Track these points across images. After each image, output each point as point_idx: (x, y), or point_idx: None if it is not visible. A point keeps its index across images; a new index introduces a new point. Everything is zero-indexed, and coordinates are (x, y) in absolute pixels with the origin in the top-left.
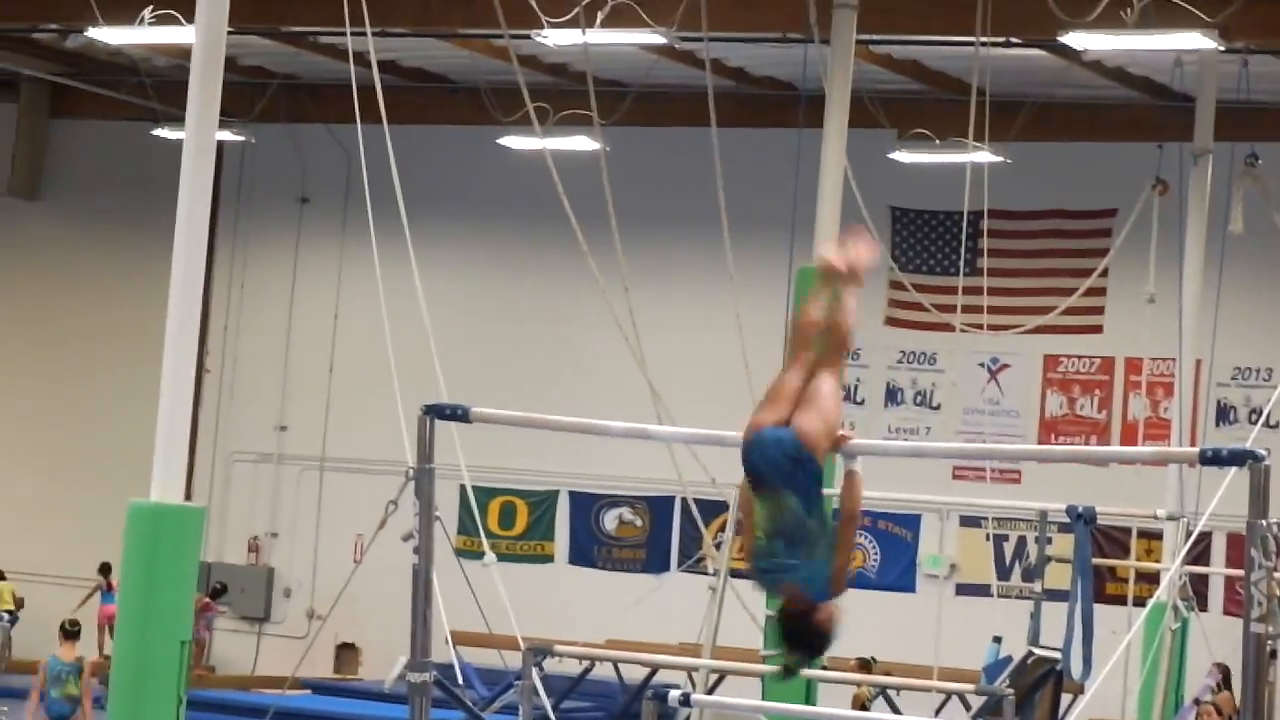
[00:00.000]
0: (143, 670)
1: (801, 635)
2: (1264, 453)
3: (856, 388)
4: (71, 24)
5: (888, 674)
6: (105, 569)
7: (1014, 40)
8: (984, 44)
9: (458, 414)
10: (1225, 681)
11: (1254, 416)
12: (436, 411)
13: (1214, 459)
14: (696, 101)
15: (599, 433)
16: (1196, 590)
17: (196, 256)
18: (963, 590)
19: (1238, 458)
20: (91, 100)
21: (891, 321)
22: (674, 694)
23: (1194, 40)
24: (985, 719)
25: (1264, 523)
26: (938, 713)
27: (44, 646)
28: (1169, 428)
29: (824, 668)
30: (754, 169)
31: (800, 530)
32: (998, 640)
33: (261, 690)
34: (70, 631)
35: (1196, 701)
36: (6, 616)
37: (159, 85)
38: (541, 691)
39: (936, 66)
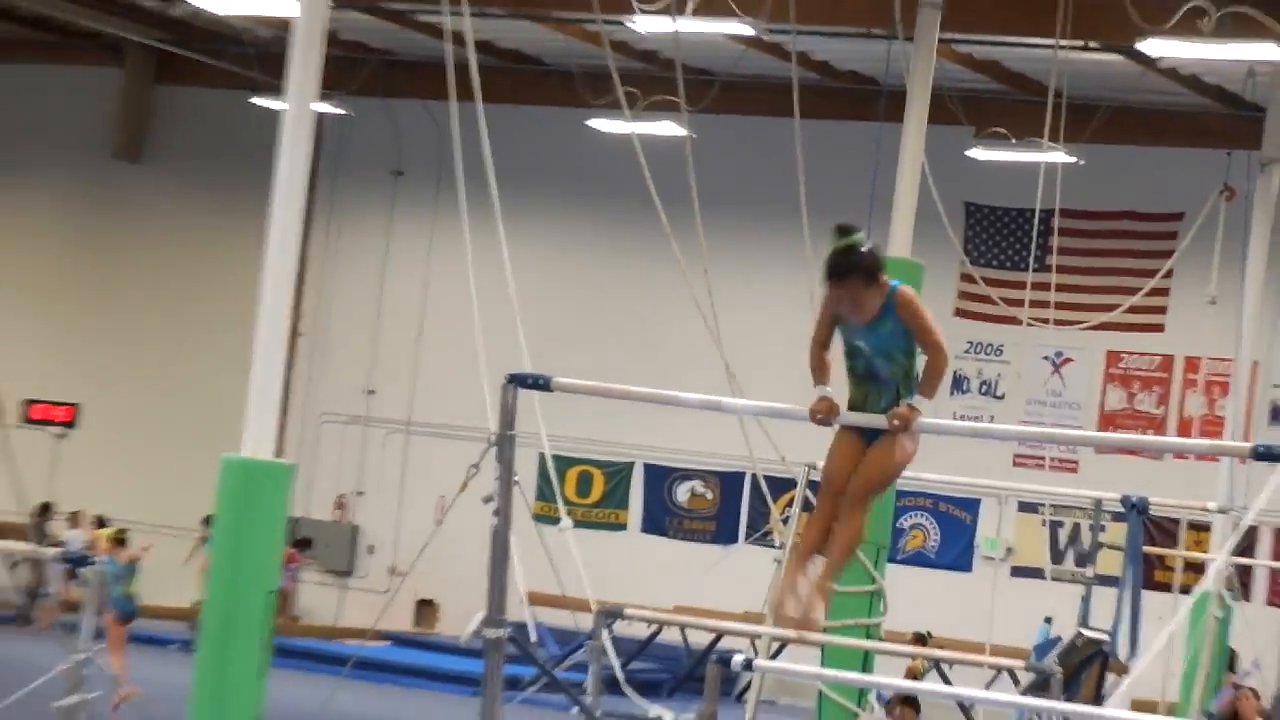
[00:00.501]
0: (231, 617)
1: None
2: None
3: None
4: None
5: (942, 649)
6: (208, 520)
7: (1092, 45)
8: (1062, 47)
9: (540, 383)
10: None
11: None
12: (519, 380)
13: (1266, 454)
14: (781, 92)
15: (674, 404)
16: (1241, 581)
17: (292, 223)
18: (1017, 572)
19: None
20: (194, 68)
21: (961, 313)
22: (737, 659)
23: (1268, 51)
24: (1034, 694)
25: None
26: (988, 687)
27: (146, 592)
28: (1223, 425)
29: (881, 639)
30: (834, 160)
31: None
32: (1049, 621)
33: (343, 640)
34: (119, 539)
35: (1236, 686)
36: (101, 561)
37: (260, 56)
38: (611, 652)
39: (1016, 68)
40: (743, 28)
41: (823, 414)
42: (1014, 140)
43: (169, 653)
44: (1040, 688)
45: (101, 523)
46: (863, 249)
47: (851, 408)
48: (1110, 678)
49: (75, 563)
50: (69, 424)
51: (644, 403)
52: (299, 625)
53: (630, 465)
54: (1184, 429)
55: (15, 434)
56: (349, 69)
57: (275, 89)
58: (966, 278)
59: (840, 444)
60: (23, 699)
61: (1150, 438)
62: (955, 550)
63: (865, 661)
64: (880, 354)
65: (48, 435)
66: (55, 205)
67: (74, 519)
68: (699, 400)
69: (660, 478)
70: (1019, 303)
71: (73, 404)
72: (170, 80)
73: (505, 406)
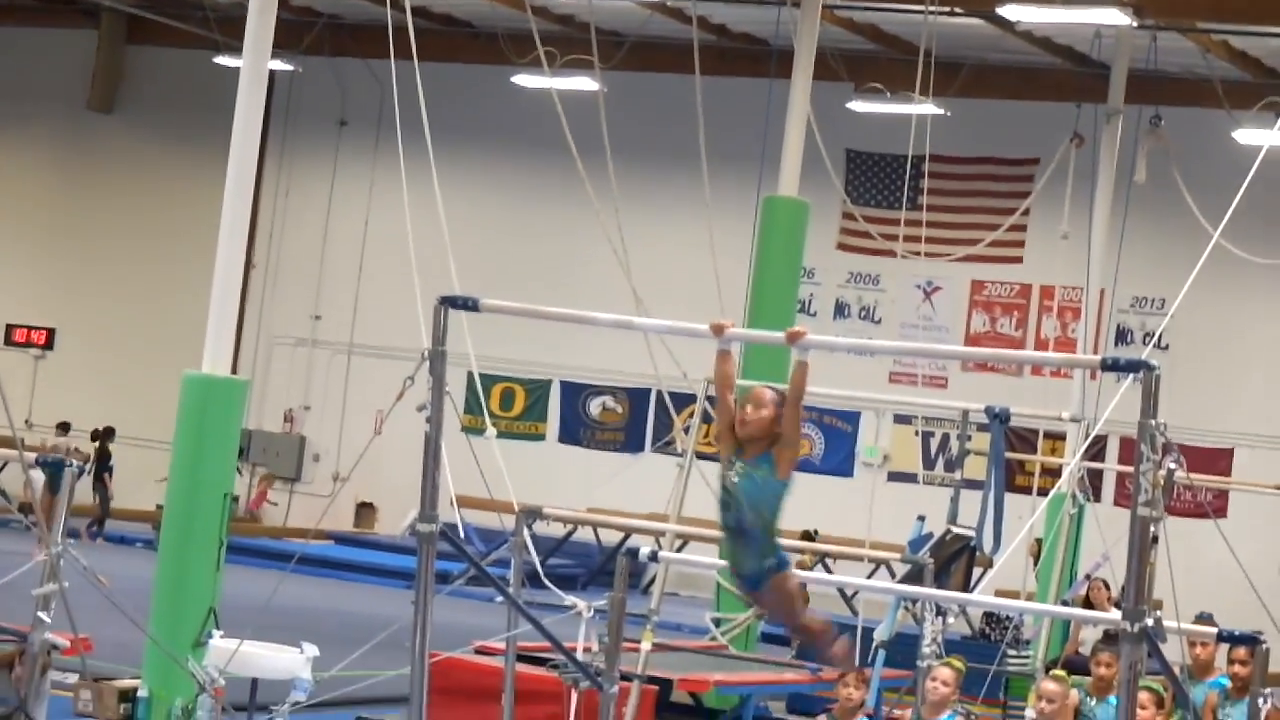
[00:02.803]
0: (190, 518)
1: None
2: (1155, 363)
3: (810, 301)
4: None
5: (827, 545)
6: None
7: (958, 10)
8: (932, 12)
9: (469, 304)
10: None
11: (1148, 339)
12: (450, 302)
13: (1113, 366)
14: (683, 52)
15: (589, 323)
16: (1092, 484)
17: (248, 167)
18: (894, 477)
19: (1133, 365)
20: (163, 30)
21: (842, 247)
22: (644, 551)
23: (1111, 16)
24: (909, 584)
25: (1153, 422)
26: (869, 578)
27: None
28: (1075, 347)
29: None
30: (730, 112)
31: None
32: (921, 519)
33: (290, 539)
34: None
35: (1088, 577)
36: (76, 464)
37: (221, 19)
38: (531, 549)
39: (890, 29)
40: None
41: (719, 328)
42: (889, 94)
43: (135, 550)
44: (914, 578)
45: (66, 429)
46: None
47: (729, 562)
48: (977, 571)
49: (48, 466)
50: (46, 346)
51: (561, 326)
52: (250, 525)
53: (548, 382)
54: (1040, 349)
55: None
56: (299, 30)
57: (234, 49)
58: (848, 215)
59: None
60: (4, 585)
61: (1014, 352)
62: (838, 457)
63: None
64: (750, 505)
65: (28, 356)
66: (36, 152)
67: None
68: (611, 319)
69: (575, 393)
70: (894, 237)
71: (50, 328)
72: (140, 40)
73: (438, 325)
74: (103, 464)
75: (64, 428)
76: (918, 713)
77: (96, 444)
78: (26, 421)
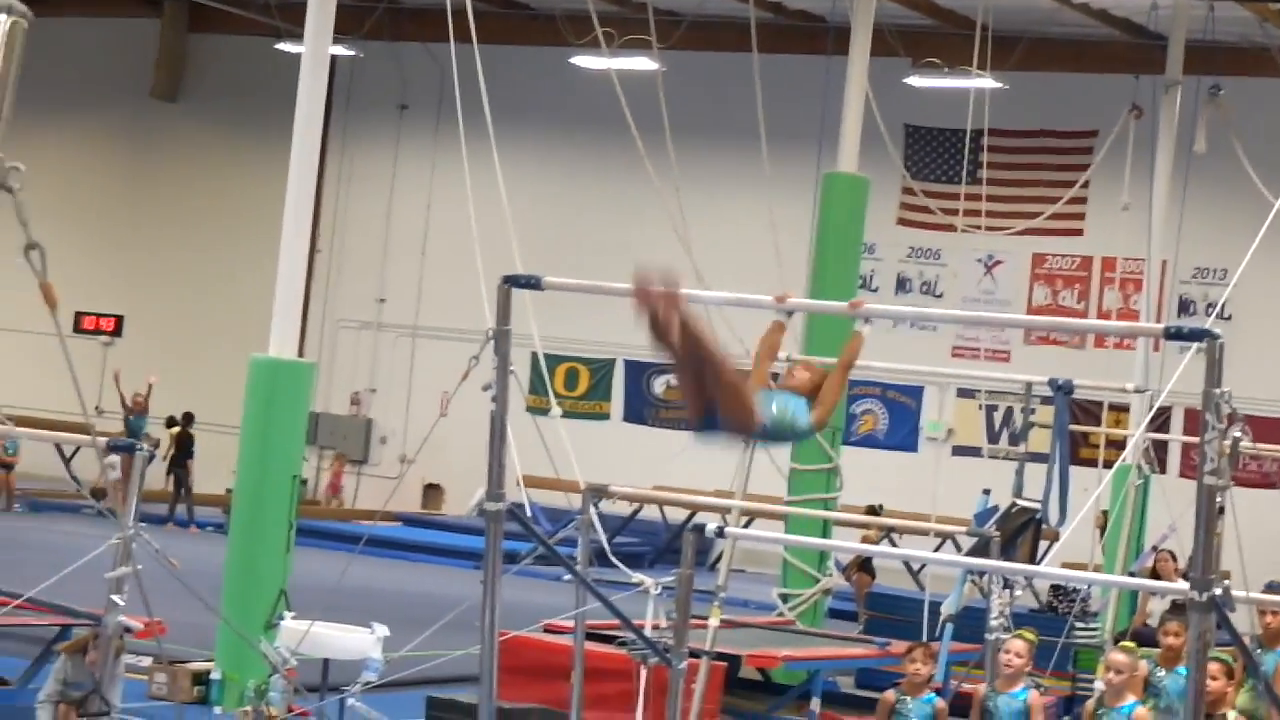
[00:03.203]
0: (259, 500)
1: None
2: (1218, 331)
3: (871, 277)
4: None
5: (892, 520)
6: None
7: None
8: None
9: (532, 283)
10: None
11: (1210, 310)
12: (513, 281)
13: (1177, 334)
14: (741, 30)
15: None
16: (1157, 455)
17: (310, 152)
18: (958, 451)
19: (1196, 334)
20: (224, 17)
21: (903, 222)
22: (711, 526)
23: None
24: (975, 557)
25: (1217, 391)
26: (934, 552)
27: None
28: (1138, 319)
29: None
30: (788, 89)
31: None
32: (987, 493)
33: (358, 521)
34: None
35: (1154, 549)
36: (147, 448)
37: (282, 6)
38: (598, 527)
39: (947, 4)
40: None
41: (782, 298)
42: (946, 69)
43: (206, 534)
44: (981, 551)
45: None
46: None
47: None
48: (1043, 544)
49: (121, 449)
50: (115, 333)
51: (623, 305)
52: (319, 508)
53: (612, 361)
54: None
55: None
56: (359, 16)
57: (295, 35)
58: (907, 190)
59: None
60: (79, 569)
61: (1078, 321)
62: (902, 432)
63: (824, 531)
64: (779, 413)
65: (97, 343)
66: (101, 140)
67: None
68: None
69: (639, 372)
70: (954, 212)
71: (118, 315)
72: (203, 29)
73: (502, 304)
74: (184, 451)
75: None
76: (991, 686)
77: (176, 430)
78: (96, 408)
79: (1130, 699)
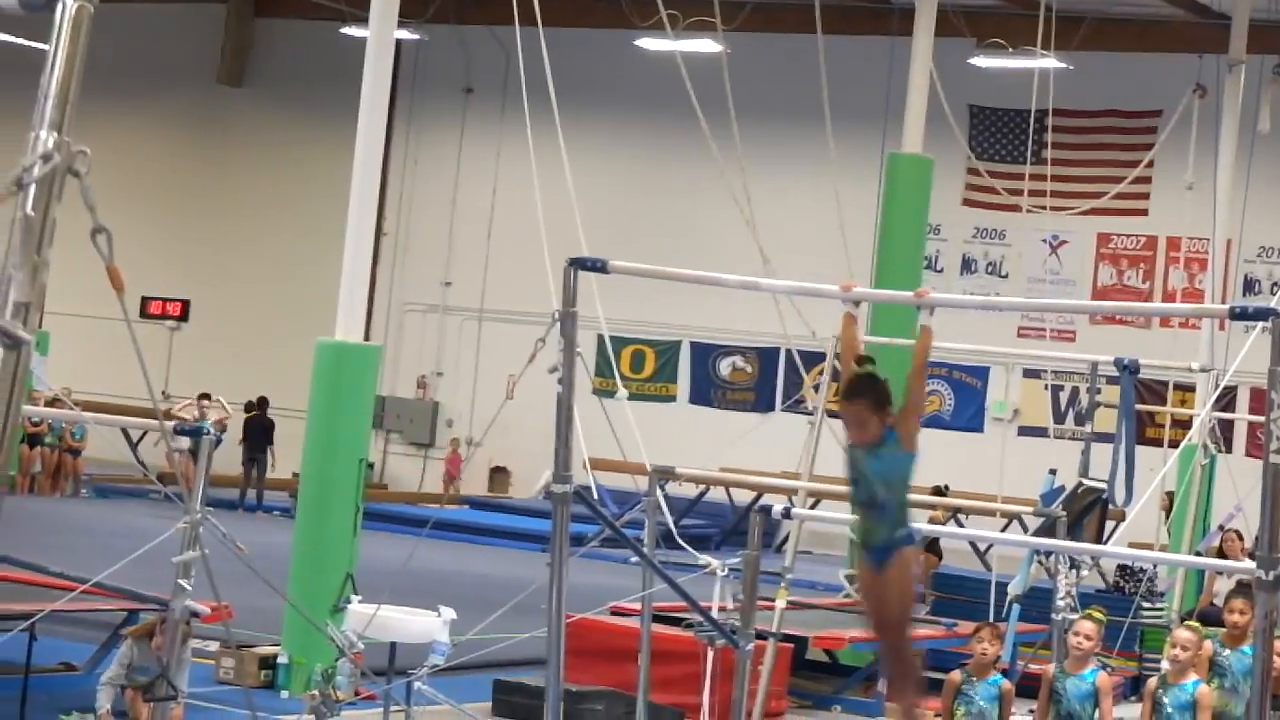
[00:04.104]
0: (327, 484)
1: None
2: None
3: (936, 258)
4: None
5: (958, 500)
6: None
7: None
8: None
9: (597, 266)
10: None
11: (1275, 288)
12: (579, 263)
13: (1241, 314)
14: (805, 12)
15: (716, 284)
16: (1223, 434)
17: (376, 136)
18: (1024, 431)
19: (1262, 313)
20: (290, 2)
21: (968, 202)
22: (777, 507)
23: None
24: (1042, 537)
25: None
26: (1002, 532)
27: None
28: (1203, 298)
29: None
30: (853, 70)
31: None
32: (1053, 473)
33: (425, 504)
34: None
35: (1221, 528)
36: (215, 432)
37: None
38: (665, 509)
39: None
40: None
41: (847, 287)
42: (1011, 49)
43: (273, 518)
44: (1047, 531)
45: (206, 398)
46: (876, 378)
47: (859, 536)
48: (1109, 524)
49: (189, 433)
50: (181, 318)
51: (688, 288)
52: (386, 491)
53: (678, 344)
54: (1168, 300)
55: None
56: (424, 0)
57: (360, 19)
58: (972, 171)
59: (863, 580)
60: (145, 554)
61: (1143, 304)
62: (968, 413)
63: None
64: (881, 480)
65: (163, 328)
66: (168, 125)
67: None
68: (738, 280)
69: (705, 354)
70: (1019, 192)
71: (184, 300)
72: (268, 14)
73: (567, 286)
74: (262, 435)
75: (205, 397)
76: (1060, 666)
77: (253, 413)
78: (164, 392)
79: (1193, 677)
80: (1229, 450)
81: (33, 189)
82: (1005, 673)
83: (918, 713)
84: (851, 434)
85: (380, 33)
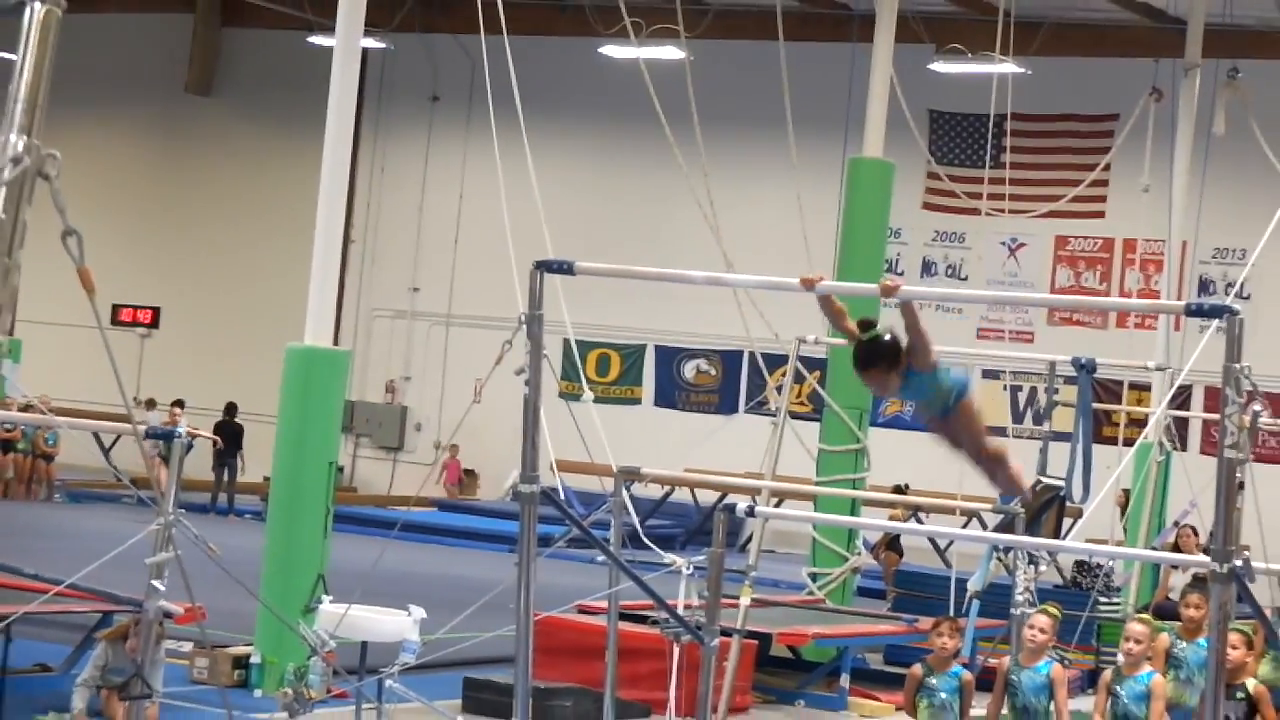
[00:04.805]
0: (297, 487)
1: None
2: (1238, 307)
3: (897, 261)
4: None
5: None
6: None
7: None
8: None
9: (563, 268)
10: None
11: (1229, 289)
12: (545, 266)
13: (1198, 311)
14: (767, 19)
15: (681, 281)
16: (1178, 432)
17: (343, 144)
18: None
19: (1217, 310)
20: (256, 11)
21: (928, 206)
22: (741, 505)
23: None
24: (999, 534)
25: (1237, 366)
26: (962, 529)
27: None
28: (1159, 298)
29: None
30: (814, 77)
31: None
32: None
33: (394, 506)
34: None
35: (1176, 524)
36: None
37: None
38: (631, 509)
39: None
40: None
41: (810, 280)
42: (970, 55)
43: (244, 522)
44: (1006, 528)
45: (180, 406)
46: (880, 339)
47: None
48: (1067, 520)
49: (161, 437)
50: (151, 325)
51: (653, 292)
52: (356, 494)
53: (643, 347)
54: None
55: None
56: (390, 8)
57: (327, 29)
58: (932, 175)
59: (935, 430)
60: (119, 557)
61: (1101, 299)
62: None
63: (852, 511)
64: (924, 399)
65: (134, 335)
66: (137, 134)
67: (150, 405)
68: (703, 276)
69: (669, 357)
70: (978, 195)
71: (155, 307)
72: (235, 23)
73: (534, 289)
74: (232, 442)
75: (179, 405)
76: (1015, 659)
77: (224, 417)
78: (135, 398)
79: (1148, 669)
80: (1184, 448)
81: (2, 191)
82: (965, 665)
83: (1013, 473)
84: (876, 393)
85: (346, 41)
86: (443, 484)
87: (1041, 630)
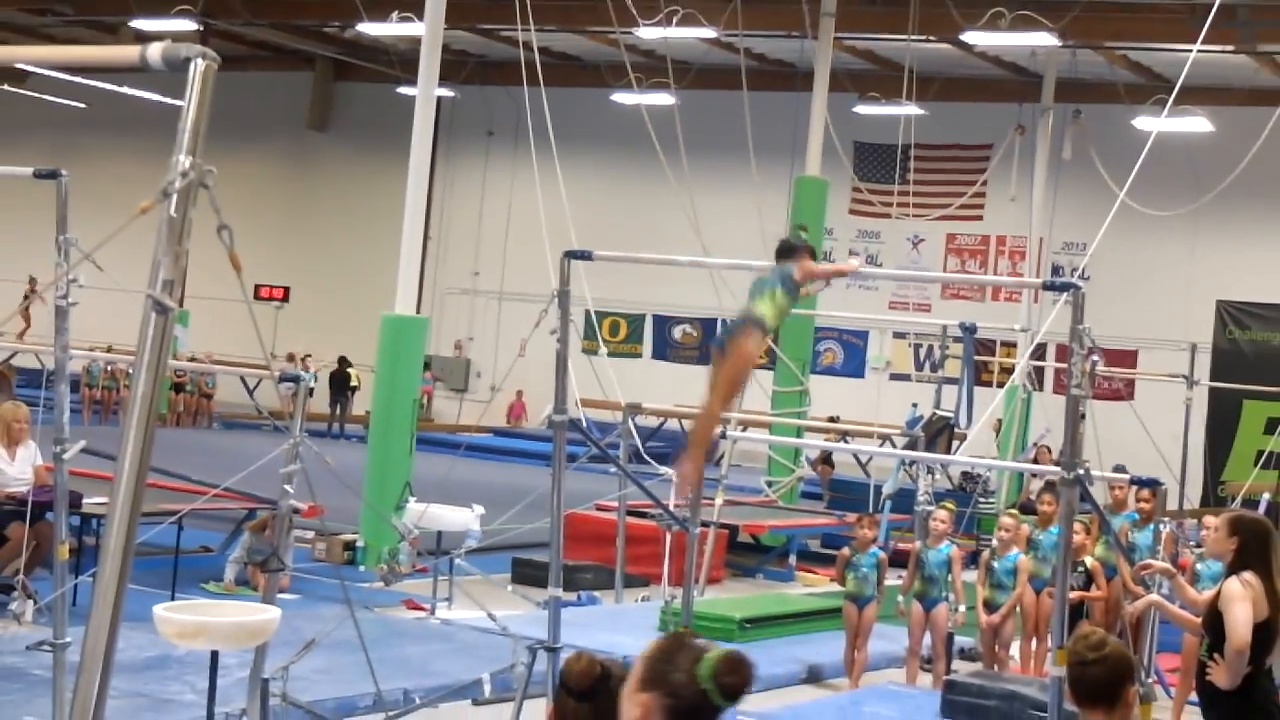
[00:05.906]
0: (389, 418)
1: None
2: (1081, 285)
3: (830, 254)
4: (347, 20)
5: (846, 426)
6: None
7: (931, 38)
8: (913, 40)
9: (585, 255)
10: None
11: (1074, 272)
12: (571, 254)
13: (1051, 286)
14: (735, 74)
15: (672, 264)
16: (1036, 378)
17: (423, 167)
18: (894, 377)
19: (1065, 286)
20: (360, 69)
21: (853, 212)
22: (716, 431)
23: (1044, 39)
24: (906, 452)
25: (1081, 328)
26: (880, 448)
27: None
28: (1023, 278)
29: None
30: (769, 117)
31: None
32: (914, 406)
33: (461, 433)
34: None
35: (1035, 444)
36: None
37: (402, 60)
38: (635, 435)
39: (884, 54)
40: (708, 32)
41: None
42: (883, 100)
43: (351, 444)
44: (911, 447)
45: (306, 358)
46: (789, 242)
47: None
48: (956, 442)
49: (291, 379)
50: (284, 299)
51: (651, 273)
52: (432, 423)
53: (643, 315)
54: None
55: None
56: (458, 67)
57: (411, 81)
58: (856, 189)
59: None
60: (260, 469)
61: (981, 276)
62: (853, 364)
63: (797, 435)
64: (768, 281)
65: (270, 308)
66: (272, 160)
67: (290, 358)
68: (688, 260)
69: (663, 323)
70: (889, 204)
71: (286, 286)
72: (345, 78)
73: (563, 271)
74: (344, 385)
75: (293, 358)
76: (924, 543)
77: (337, 367)
78: (271, 353)
79: (1015, 550)
80: (1041, 389)
81: (174, 197)
82: (881, 547)
83: (694, 452)
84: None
85: (425, 91)
86: (509, 417)
87: (943, 521)
